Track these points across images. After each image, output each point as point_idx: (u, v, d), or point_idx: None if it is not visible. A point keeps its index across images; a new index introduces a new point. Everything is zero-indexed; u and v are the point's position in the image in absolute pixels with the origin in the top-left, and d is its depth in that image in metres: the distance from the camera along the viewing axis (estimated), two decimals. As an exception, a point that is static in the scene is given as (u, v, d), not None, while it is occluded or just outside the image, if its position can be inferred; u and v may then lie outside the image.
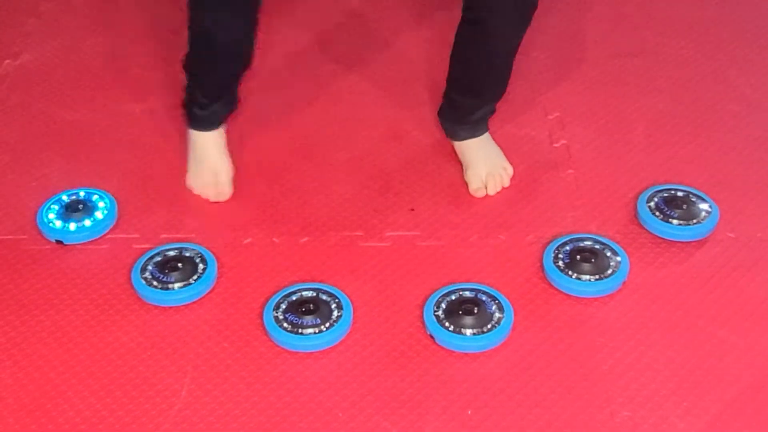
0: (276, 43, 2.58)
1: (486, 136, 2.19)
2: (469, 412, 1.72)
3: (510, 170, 2.17)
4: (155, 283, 1.91)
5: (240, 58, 2.04)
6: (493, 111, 2.18)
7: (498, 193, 2.13)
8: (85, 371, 1.80)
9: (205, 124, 2.11)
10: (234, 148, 2.26)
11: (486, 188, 2.13)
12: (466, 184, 2.15)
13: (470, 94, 2.14)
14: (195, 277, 1.92)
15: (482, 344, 1.82)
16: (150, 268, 1.94)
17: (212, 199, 2.12)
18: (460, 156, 2.19)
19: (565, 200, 2.12)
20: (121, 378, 1.78)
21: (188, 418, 1.72)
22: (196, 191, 2.13)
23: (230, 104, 2.14)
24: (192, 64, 2.06)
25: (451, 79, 2.15)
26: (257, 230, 2.06)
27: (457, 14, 2.03)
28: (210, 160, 2.12)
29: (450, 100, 2.17)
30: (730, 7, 2.69)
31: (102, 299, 1.93)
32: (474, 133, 2.17)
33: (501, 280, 1.94)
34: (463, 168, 2.17)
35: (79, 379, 1.78)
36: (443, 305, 1.86)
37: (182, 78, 2.08)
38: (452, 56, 2.10)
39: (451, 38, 2.07)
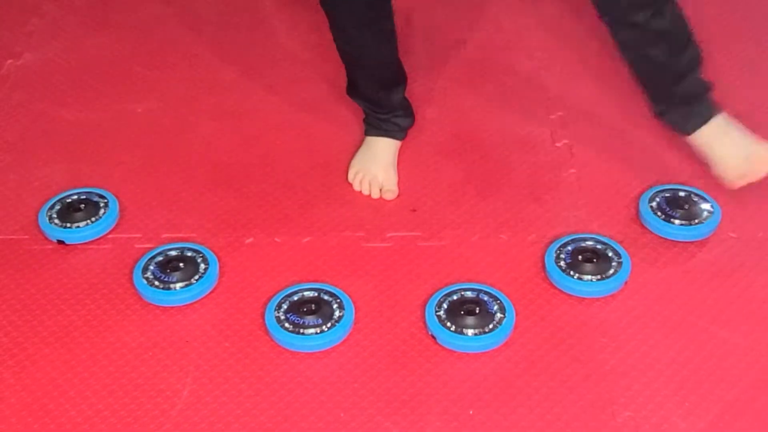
0: (278, 42, 2.58)
1: (721, 119, 1.98)
2: (471, 412, 1.72)
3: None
4: (157, 283, 1.91)
5: (388, 77, 2.13)
6: (704, 88, 2.00)
7: (499, 193, 2.13)
8: (86, 371, 1.80)
9: (382, 132, 2.18)
10: (235, 148, 2.27)
11: (746, 174, 1.92)
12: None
13: (651, 73, 2.00)
14: (196, 277, 1.92)
15: (484, 344, 1.82)
16: (152, 267, 1.94)
17: (374, 195, 2.13)
18: (703, 153, 2.00)
19: (567, 200, 2.12)
20: (122, 378, 1.78)
21: (190, 418, 1.72)
22: (358, 186, 2.14)
23: (403, 118, 2.19)
24: (352, 89, 2.17)
25: (632, 71, 2.02)
26: (259, 230, 2.07)
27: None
28: (386, 160, 2.16)
29: (646, 90, 2.04)
30: (732, 7, 2.68)
31: (104, 299, 1.93)
32: (702, 117, 1.98)
33: (502, 280, 1.94)
34: (712, 166, 1.98)
35: (81, 379, 1.78)
36: (445, 305, 1.86)
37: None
38: (620, 49, 1.99)
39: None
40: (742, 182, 2.00)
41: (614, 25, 1.96)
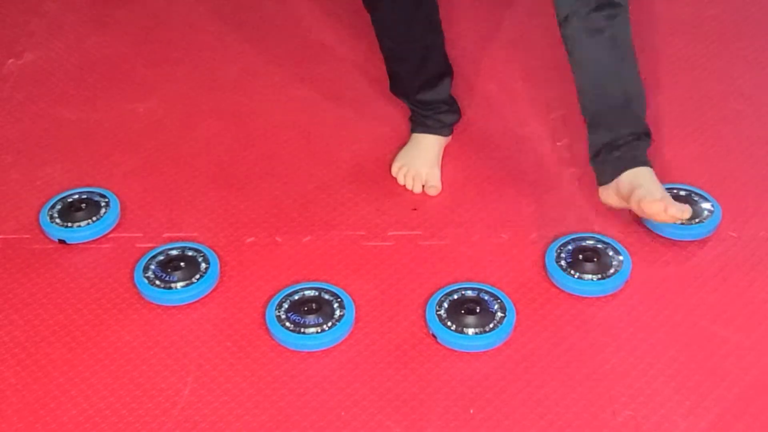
0: (279, 42, 2.58)
1: (650, 170, 1.94)
2: (471, 411, 1.73)
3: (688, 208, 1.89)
4: (158, 282, 1.91)
5: (432, 72, 2.13)
6: (643, 131, 1.98)
7: (500, 192, 2.13)
8: (88, 370, 1.80)
9: (427, 129, 2.18)
10: (236, 148, 2.27)
11: (666, 207, 1.86)
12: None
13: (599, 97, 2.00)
14: (197, 276, 1.93)
15: (484, 343, 1.82)
16: (153, 267, 1.94)
17: (417, 190, 2.13)
18: (625, 196, 1.93)
19: (568, 199, 2.12)
20: (124, 377, 1.79)
21: (191, 417, 1.72)
22: (402, 180, 2.15)
23: (448, 114, 2.19)
24: (397, 88, 2.17)
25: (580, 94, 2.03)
26: (260, 229, 2.07)
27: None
28: (431, 156, 2.16)
29: (590, 122, 2.02)
30: (734, 6, 2.68)
31: (105, 298, 1.93)
32: (635, 162, 1.93)
33: (503, 279, 1.94)
34: (628, 198, 1.92)
35: (82, 378, 1.78)
36: (445, 304, 1.86)
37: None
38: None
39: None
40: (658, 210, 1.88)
41: (573, 27, 1.93)
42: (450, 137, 2.22)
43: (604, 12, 1.91)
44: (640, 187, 1.90)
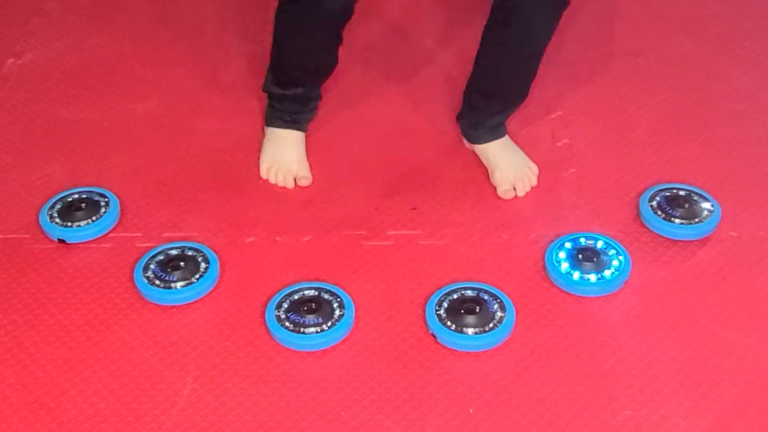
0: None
1: (506, 138, 2.18)
2: (471, 410, 1.73)
3: (535, 169, 2.15)
4: (158, 282, 1.91)
5: (326, 74, 2.17)
6: (512, 112, 2.18)
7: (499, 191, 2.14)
8: (87, 370, 1.80)
9: (292, 125, 2.19)
10: (236, 147, 2.27)
11: (515, 189, 2.11)
12: (491, 186, 2.14)
13: (494, 98, 2.13)
14: (197, 276, 1.93)
15: (484, 343, 1.82)
16: (152, 266, 1.94)
17: (290, 185, 2.15)
18: (483, 160, 2.18)
19: (568, 199, 2.12)
20: (123, 377, 1.79)
21: (191, 417, 1.72)
22: (272, 180, 2.16)
23: (314, 111, 2.22)
24: (276, 84, 2.16)
25: (473, 82, 2.14)
26: (260, 229, 2.07)
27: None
28: (292, 151, 2.18)
29: (471, 103, 2.17)
30: (733, 5, 2.68)
31: (104, 298, 1.93)
32: (495, 135, 2.16)
33: (503, 279, 1.94)
34: (489, 172, 2.15)
35: (82, 378, 1.78)
36: (445, 304, 1.86)
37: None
38: (477, 59, 2.09)
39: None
40: (508, 197, 2.11)
41: (501, 47, 2.03)
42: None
43: None
44: (494, 172, 2.14)
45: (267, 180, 2.17)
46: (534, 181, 2.13)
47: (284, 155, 2.17)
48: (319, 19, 1.99)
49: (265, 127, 2.22)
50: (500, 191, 2.12)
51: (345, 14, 1.99)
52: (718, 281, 1.94)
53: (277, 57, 2.13)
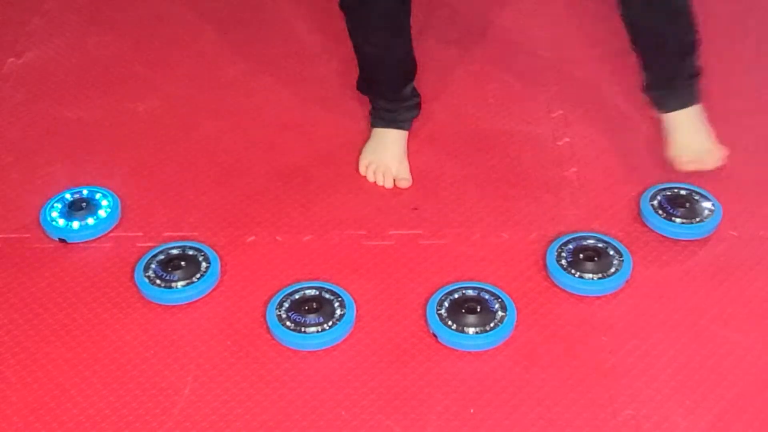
0: (279, 41, 2.58)
1: (697, 109, 2.10)
2: (472, 410, 1.73)
3: (723, 151, 2.08)
4: (158, 281, 1.92)
5: (406, 72, 2.16)
6: (695, 72, 2.10)
7: (500, 191, 2.13)
8: (88, 369, 1.80)
9: (392, 124, 2.19)
10: (236, 146, 2.27)
11: (702, 162, 2.05)
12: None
13: (658, 48, 2.06)
14: (198, 275, 1.93)
15: (485, 343, 1.82)
16: (153, 266, 1.94)
17: (388, 185, 2.14)
18: (667, 133, 2.10)
19: (569, 199, 2.12)
20: (124, 376, 1.79)
21: (191, 416, 1.72)
22: (371, 178, 2.16)
23: (413, 109, 2.21)
24: (366, 85, 2.20)
25: (631, 40, 2.06)
26: (260, 228, 2.07)
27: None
28: (391, 151, 2.17)
29: (641, 63, 2.09)
30: (734, 4, 2.68)
31: (105, 297, 1.93)
32: (683, 102, 2.09)
33: (504, 278, 1.94)
34: (670, 144, 2.09)
35: (83, 378, 1.79)
36: (446, 304, 1.86)
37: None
38: (620, 11, 2.03)
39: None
40: (689, 168, 2.08)
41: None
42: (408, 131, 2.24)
43: None
44: (674, 144, 2.09)
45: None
46: (719, 162, 2.06)
47: (381, 155, 2.18)
48: (376, 11, 2.01)
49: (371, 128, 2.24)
50: (682, 161, 2.06)
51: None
52: (718, 281, 1.94)
53: (357, 58, 2.16)
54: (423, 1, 2.70)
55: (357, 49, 2.13)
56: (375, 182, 2.16)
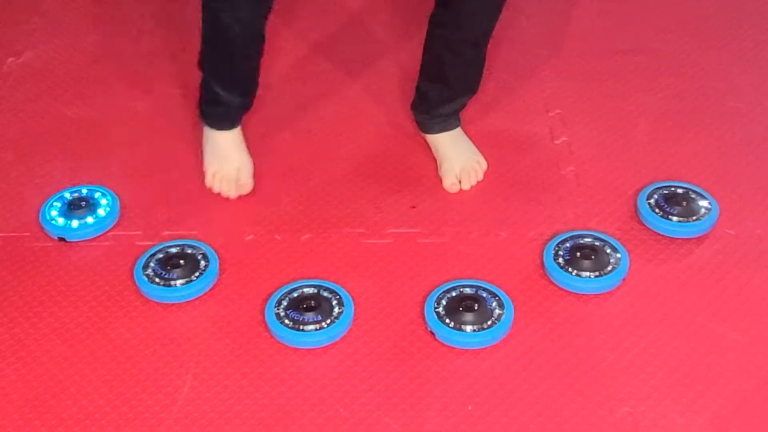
0: (277, 40, 2.58)
1: (458, 130, 2.20)
2: (470, 407, 1.73)
3: (484, 164, 2.17)
4: (157, 279, 1.92)
5: (254, 50, 2.04)
6: (463, 105, 2.19)
7: (498, 190, 2.14)
8: (87, 367, 1.81)
9: (224, 122, 2.11)
10: (236, 146, 2.27)
11: (460, 183, 2.13)
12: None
13: (439, 84, 2.14)
14: (197, 274, 1.93)
15: (482, 341, 1.82)
16: (152, 265, 1.95)
17: (233, 195, 2.12)
18: (433, 151, 2.20)
19: (566, 197, 2.13)
20: (123, 374, 1.79)
21: (190, 414, 1.73)
22: (216, 190, 2.12)
23: (246, 99, 2.11)
24: (207, 60, 2.05)
25: (422, 68, 2.16)
26: (259, 227, 2.07)
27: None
28: (233, 157, 2.12)
29: (421, 91, 2.18)
30: (732, 4, 2.69)
31: (104, 296, 1.93)
32: (446, 126, 2.18)
33: (501, 276, 1.95)
34: (437, 163, 2.18)
35: (82, 376, 1.79)
36: (444, 302, 1.87)
37: (197, 78, 2.07)
38: (424, 44, 2.11)
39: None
40: (454, 189, 2.13)
41: (443, 42, 2.06)
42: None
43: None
44: (441, 163, 2.16)
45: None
46: (480, 176, 2.15)
47: (224, 164, 2.12)
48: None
49: None
50: (445, 184, 2.13)
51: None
52: (715, 279, 1.95)
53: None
54: (422, 1, 2.71)
55: (205, 17, 2.00)
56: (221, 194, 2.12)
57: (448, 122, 2.18)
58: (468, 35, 2.03)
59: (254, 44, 2.02)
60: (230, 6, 1.93)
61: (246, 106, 2.12)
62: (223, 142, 2.12)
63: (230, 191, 2.12)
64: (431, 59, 2.12)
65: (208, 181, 2.13)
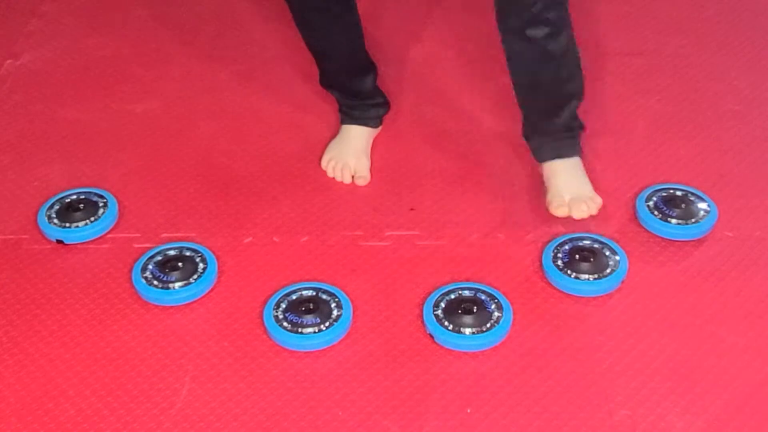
0: (277, 42, 2.58)
1: (575, 160, 2.06)
2: (468, 410, 1.73)
3: (599, 201, 2.02)
4: (156, 282, 1.92)
5: (357, 69, 2.17)
6: (572, 119, 2.05)
7: (496, 192, 2.13)
8: (86, 370, 1.80)
9: (356, 120, 2.22)
10: (233, 148, 2.27)
11: (570, 209, 2.00)
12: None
13: (530, 89, 2.01)
14: (195, 276, 1.93)
15: (481, 343, 1.82)
16: (150, 267, 1.95)
17: (346, 180, 2.16)
18: (545, 181, 2.06)
19: (565, 199, 2.13)
20: (122, 377, 1.79)
21: (189, 417, 1.72)
22: (331, 173, 2.18)
23: (374, 107, 2.23)
24: (324, 81, 2.22)
25: (512, 82, 2.02)
26: (257, 229, 2.07)
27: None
28: (359, 147, 2.19)
29: (520, 107, 2.06)
30: (730, 6, 2.69)
31: (103, 298, 1.93)
32: (559, 152, 2.04)
33: (500, 279, 1.95)
34: (546, 192, 2.05)
35: (81, 378, 1.79)
36: (442, 304, 1.87)
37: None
38: (505, 55, 1.98)
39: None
40: (559, 213, 2.01)
41: (510, 36, 1.92)
42: (379, 129, 2.26)
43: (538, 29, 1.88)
44: (550, 189, 2.04)
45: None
46: (594, 211, 2.00)
47: (342, 150, 2.19)
48: (307, 4, 2.02)
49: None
50: (553, 207, 2.01)
51: None
52: (714, 281, 1.95)
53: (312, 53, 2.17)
54: (420, 1, 2.71)
55: (304, 39, 2.13)
56: (334, 177, 2.17)
57: (561, 147, 2.04)
58: (523, 12, 1.86)
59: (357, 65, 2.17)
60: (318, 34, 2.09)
61: (380, 113, 2.25)
62: (356, 133, 2.22)
63: (345, 175, 2.17)
64: (512, 65, 1.98)
65: (324, 163, 2.21)
